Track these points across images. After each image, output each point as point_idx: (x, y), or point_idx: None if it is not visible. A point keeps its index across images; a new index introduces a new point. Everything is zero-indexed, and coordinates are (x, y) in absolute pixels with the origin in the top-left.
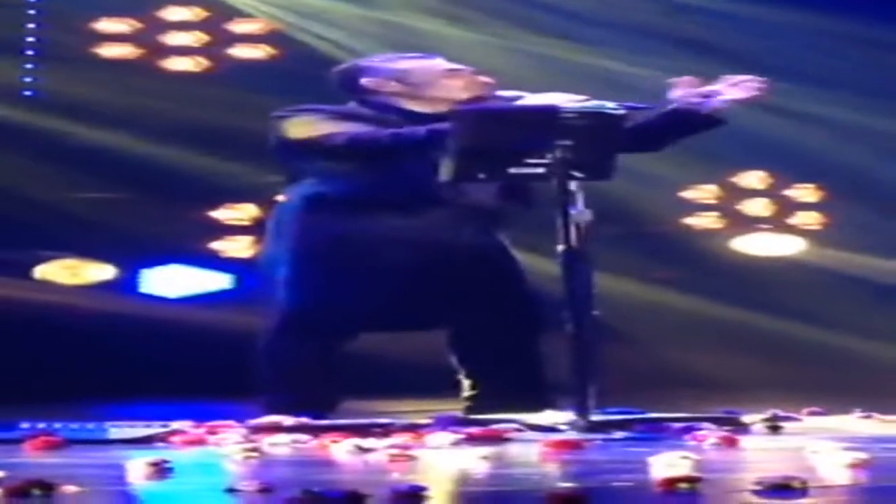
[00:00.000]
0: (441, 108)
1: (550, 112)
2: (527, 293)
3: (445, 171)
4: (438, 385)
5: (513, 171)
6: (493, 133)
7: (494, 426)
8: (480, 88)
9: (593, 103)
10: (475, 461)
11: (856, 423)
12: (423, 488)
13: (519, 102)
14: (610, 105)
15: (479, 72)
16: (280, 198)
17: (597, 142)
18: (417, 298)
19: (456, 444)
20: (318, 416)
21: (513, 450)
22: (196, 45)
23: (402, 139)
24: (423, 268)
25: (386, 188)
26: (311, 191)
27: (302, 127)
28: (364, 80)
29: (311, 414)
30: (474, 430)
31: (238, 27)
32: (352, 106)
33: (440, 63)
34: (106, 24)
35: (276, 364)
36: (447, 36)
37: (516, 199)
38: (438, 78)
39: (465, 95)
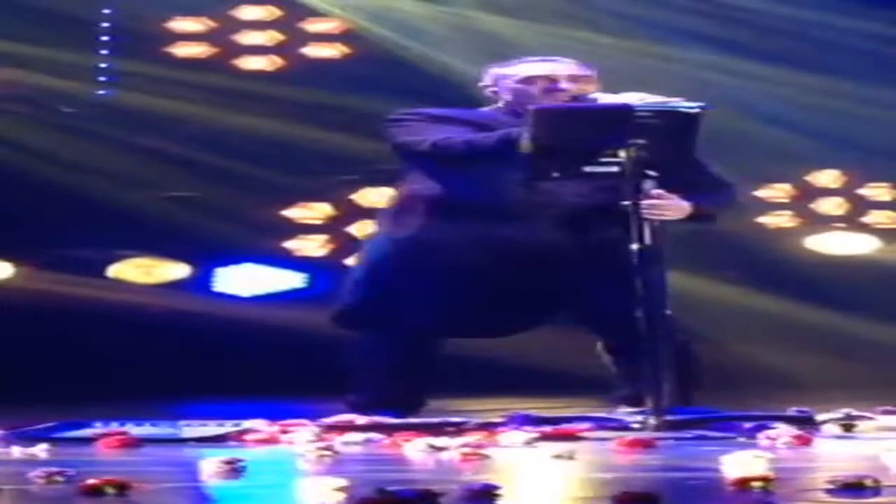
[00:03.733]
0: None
1: (624, 111)
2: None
3: (521, 169)
4: (517, 384)
5: (588, 169)
6: (567, 132)
7: (568, 424)
8: (557, 95)
9: (668, 102)
10: (548, 460)
11: None
12: (495, 487)
13: (595, 102)
14: (685, 104)
15: (576, 76)
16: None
17: (671, 140)
18: (502, 304)
19: (529, 442)
20: (404, 415)
21: (586, 448)
22: (270, 44)
23: (475, 145)
24: (508, 273)
25: (467, 191)
26: (407, 193)
27: (401, 131)
28: (481, 85)
29: (396, 413)
30: (547, 428)
31: (312, 26)
32: (471, 110)
33: (524, 68)
34: (179, 24)
35: (363, 363)
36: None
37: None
38: (514, 84)
39: (536, 101)
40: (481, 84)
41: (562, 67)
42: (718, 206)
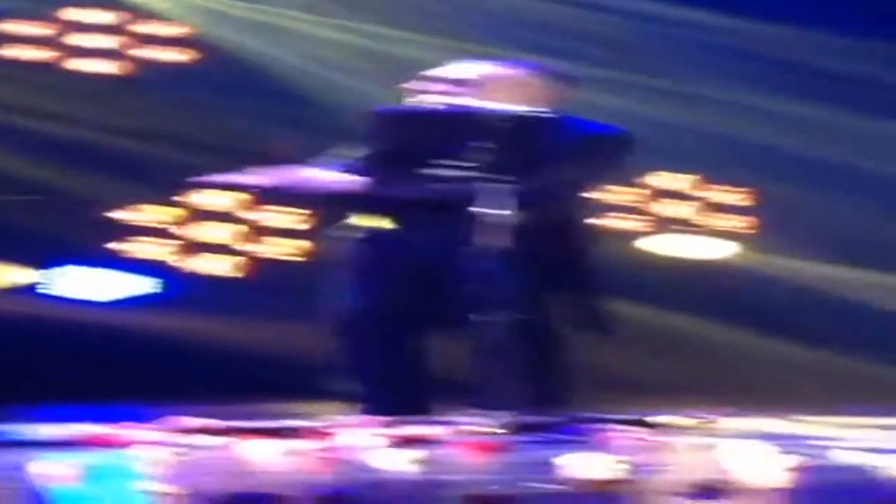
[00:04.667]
0: None
1: (468, 115)
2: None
3: (367, 172)
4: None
5: (431, 172)
6: (410, 135)
7: (419, 428)
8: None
9: (514, 107)
10: (400, 463)
11: (780, 424)
12: (344, 490)
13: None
14: (529, 109)
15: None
16: None
17: (517, 145)
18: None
19: (380, 445)
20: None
21: (437, 452)
22: (110, 47)
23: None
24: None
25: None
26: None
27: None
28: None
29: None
30: (398, 431)
31: (158, 30)
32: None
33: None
34: (13, 27)
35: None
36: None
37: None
38: (428, 86)
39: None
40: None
41: (474, 70)
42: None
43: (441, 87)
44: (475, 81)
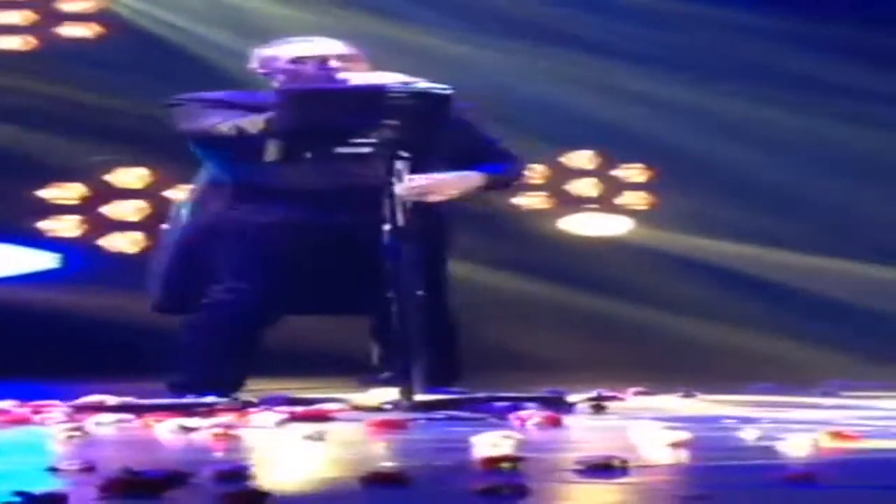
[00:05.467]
0: None
1: (374, 91)
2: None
3: (271, 152)
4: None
5: (339, 150)
6: (317, 113)
7: (319, 405)
8: (331, 73)
9: (420, 83)
10: (298, 440)
11: (678, 402)
12: (245, 467)
13: (347, 82)
14: (436, 86)
15: (345, 55)
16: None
17: (423, 121)
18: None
19: (280, 423)
20: (222, 395)
21: (336, 429)
22: (23, 23)
23: (242, 129)
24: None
25: (245, 175)
26: (206, 179)
27: (183, 118)
28: (248, 67)
29: (214, 394)
30: (298, 409)
31: (66, 6)
32: (246, 92)
33: (302, 47)
34: None
35: (187, 346)
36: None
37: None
38: (287, 64)
39: (313, 80)
40: (249, 66)
41: (330, 47)
42: (507, 178)
43: (315, 62)
44: (349, 57)
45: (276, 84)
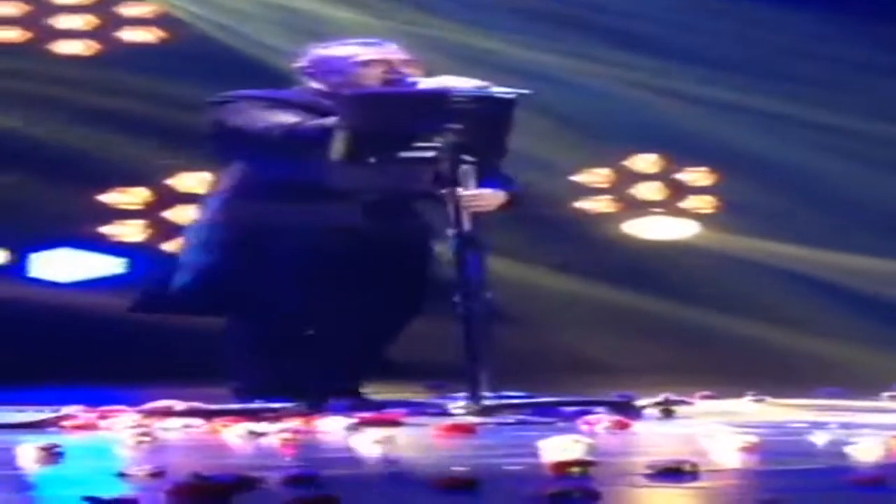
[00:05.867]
0: None
1: (440, 95)
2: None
3: (336, 152)
4: None
5: (403, 154)
6: (381, 116)
7: (389, 410)
8: (398, 77)
9: (483, 87)
10: (369, 445)
11: (747, 406)
12: (314, 473)
13: (414, 87)
14: (499, 89)
15: (408, 60)
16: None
17: (487, 125)
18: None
19: (349, 428)
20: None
21: (406, 434)
22: (86, 28)
23: (326, 130)
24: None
25: (302, 175)
26: (245, 176)
27: (237, 116)
28: (294, 66)
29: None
30: (368, 414)
31: (128, 10)
32: (292, 91)
33: (364, 50)
34: None
35: (238, 349)
36: (343, 21)
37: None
38: (352, 67)
39: (378, 84)
40: (296, 64)
41: (391, 51)
42: (520, 199)
43: (382, 66)
44: (409, 62)
45: (315, 84)
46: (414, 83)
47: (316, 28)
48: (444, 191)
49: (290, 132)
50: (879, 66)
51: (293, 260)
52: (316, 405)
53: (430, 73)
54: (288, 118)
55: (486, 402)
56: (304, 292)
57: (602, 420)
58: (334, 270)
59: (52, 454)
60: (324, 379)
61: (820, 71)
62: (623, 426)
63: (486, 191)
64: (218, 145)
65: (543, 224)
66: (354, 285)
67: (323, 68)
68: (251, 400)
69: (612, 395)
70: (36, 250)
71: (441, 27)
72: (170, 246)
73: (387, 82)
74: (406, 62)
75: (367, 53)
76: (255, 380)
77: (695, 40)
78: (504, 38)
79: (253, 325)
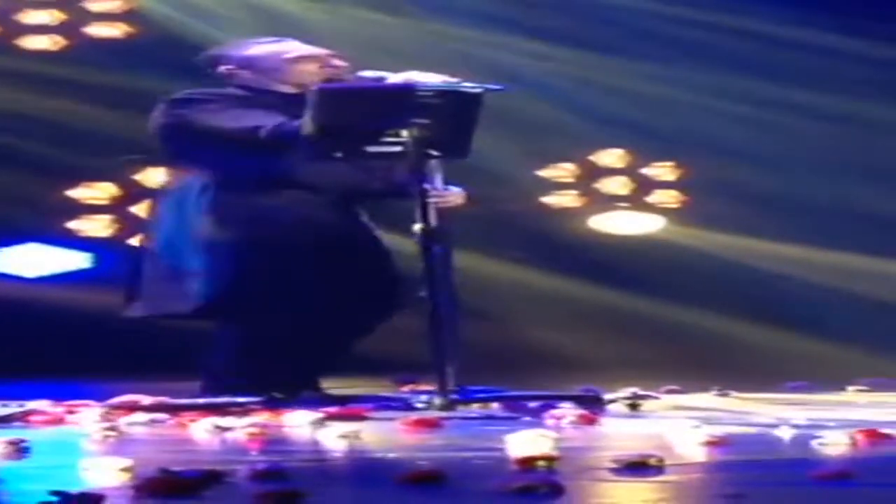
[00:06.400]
0: (294, 92)
1: (406, 91)
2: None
3: (302, 149)
4: None
5: (370, 149)
6: (349, 112)
7: (354, 404)
8: (334, 71)
9: (450, 82)
10: (334, 439)
11: (713, 400)
12: (281, 467)
13: (380, 82)
14: (466, 84)
15: (334, 54)
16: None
17: (453, 120)
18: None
19: (315, 422)
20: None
21: (371, 428)
22: (52, 23)
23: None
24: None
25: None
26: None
27: (210, 114)
28: (220, 68)
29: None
30: (333, 408)
31: (94, 5)
32: (234, 90)
33: (292, 47)
34: None
35: (225, 348)
36: (306, 17)
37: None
38: (287, 63)
39: (317, 79)
40: (222, 67)
41: (310, 48)
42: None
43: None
44: (332, 55)
45: (251, 84)
46: (381, 78)
47: (280, 24)
48: (410, 186)
49: (277, 131)
50: (846, 55)
51: (265, 257)
52: (284, 401)
53: (392, 69)
54: (268, 117)
55: (452, 397)
56: (276, 289)
57: (568, 414)
58: (304, 266)
59: (19, 449)
60: (293, 375)
61: (788, 62)
62: (589, 420)
63: (454, 188)
64: (182, 144)
65: (509, 219)
66: (322, 281)
67: (256, 67)
68: (219, 395)
69: (579, 390)
70: (2, 245)
71: (405, 25)
72: (135, 241)
73: (328, 77)
74: (331, 56)
75: (291, 50)
76: (231, 377)
77: (660, 35)
78: (468, 35)
79: (230, 323)
